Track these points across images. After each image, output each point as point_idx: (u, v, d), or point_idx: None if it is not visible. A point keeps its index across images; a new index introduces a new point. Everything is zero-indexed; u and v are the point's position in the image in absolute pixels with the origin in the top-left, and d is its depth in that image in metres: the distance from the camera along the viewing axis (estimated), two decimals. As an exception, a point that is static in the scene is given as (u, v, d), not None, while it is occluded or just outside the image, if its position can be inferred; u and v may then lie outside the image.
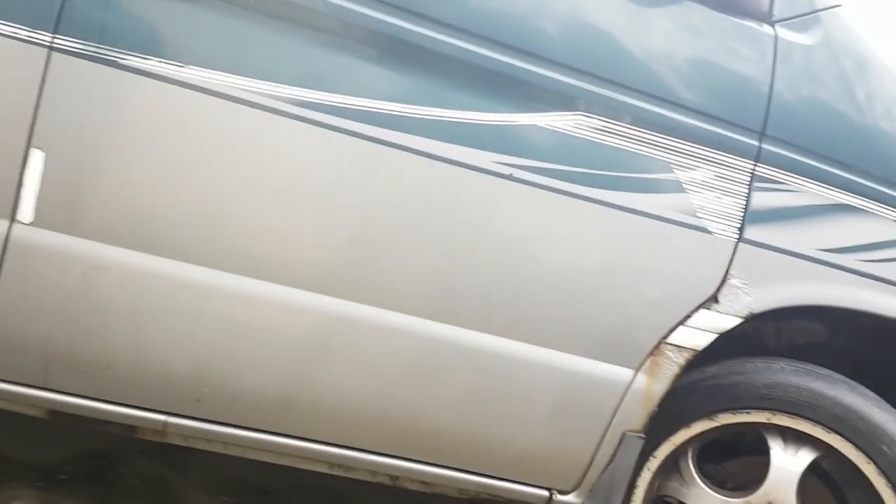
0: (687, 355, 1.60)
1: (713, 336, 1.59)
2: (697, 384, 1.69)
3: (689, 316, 1.58)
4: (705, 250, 1.57)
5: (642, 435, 1.62)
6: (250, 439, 1.51)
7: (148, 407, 1.46)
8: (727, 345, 1.68)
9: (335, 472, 1.58)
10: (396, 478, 1.63)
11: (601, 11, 1.51)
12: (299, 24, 1.39)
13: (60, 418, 1.48)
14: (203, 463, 2.05)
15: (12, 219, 1.32)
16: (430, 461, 1.58)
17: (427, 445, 1.57)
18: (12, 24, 1.26)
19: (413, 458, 1.57)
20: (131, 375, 1.43)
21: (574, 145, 1.50)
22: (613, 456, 1.61)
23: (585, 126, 1.50)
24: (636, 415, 1.61)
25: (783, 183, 1.57)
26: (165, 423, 1.47)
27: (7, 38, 1.26)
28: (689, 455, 1.72)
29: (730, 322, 1.59)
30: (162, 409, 1.47)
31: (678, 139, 1.54)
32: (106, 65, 1.31)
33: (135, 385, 1.45)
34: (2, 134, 1.29)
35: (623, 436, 1.61)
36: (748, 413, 1.65)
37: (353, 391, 1.51)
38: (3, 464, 1.86)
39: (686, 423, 1.69)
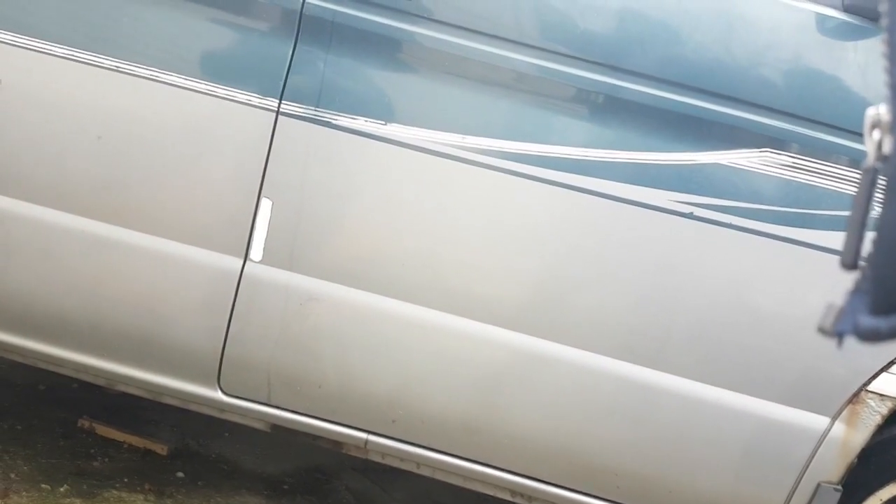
0: (890, 404, 1.50)
1: (920, 385, 1.49)
2: (908, 437, 1.57)
3: (893, 362, 1.49)
4: (911, 293, 1.47)
5: (839, 487, 1.53)
6: (439, 461, 1.63)
7: (352, 425, 1.63)
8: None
9: (517, 500, 1.66)
10: (578, 510, 1.66)
11: (790, 47, 1.49)
12: (486, 83, 1.51)
13: (280, 432, 1.69)
14: (408, 484, 2.20)
15: (245, 257, 1.56)
16: (609, 498, 1.60)
17: (606, 482, 1.59)
18: (247, 93, 1.50)
19: (592, 493, 1.60)
20: (338, 395, 1.61)
21: (760, 182, 1.49)
22: (807, 507, 1.55)
23: (773, 163, 1.49)
24: (832, 465, 1.53)
25: None
26: (366, 441, 1.63)
27: (243, 105, 1.50)
28: (900, 513, 1.60)
29: (940, 370, 1.48)
30: (363, 428, 1.63)
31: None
32: (322, 125, 1.51)
33: (341, 404, 1.62)
34: (238, 186, 1.53)
35: (818, 486, 1.54)
36: (965, 471, 1.51)
37: (534, 423, 1.58)
38: (237, 473, 2.13)
39: (895, 477, 1.57)
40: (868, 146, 0.61)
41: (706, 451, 1.57)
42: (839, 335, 0.58)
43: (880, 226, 0.56)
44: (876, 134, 0.60)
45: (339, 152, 1.52)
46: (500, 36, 1.49)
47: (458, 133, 1.50)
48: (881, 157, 0.59)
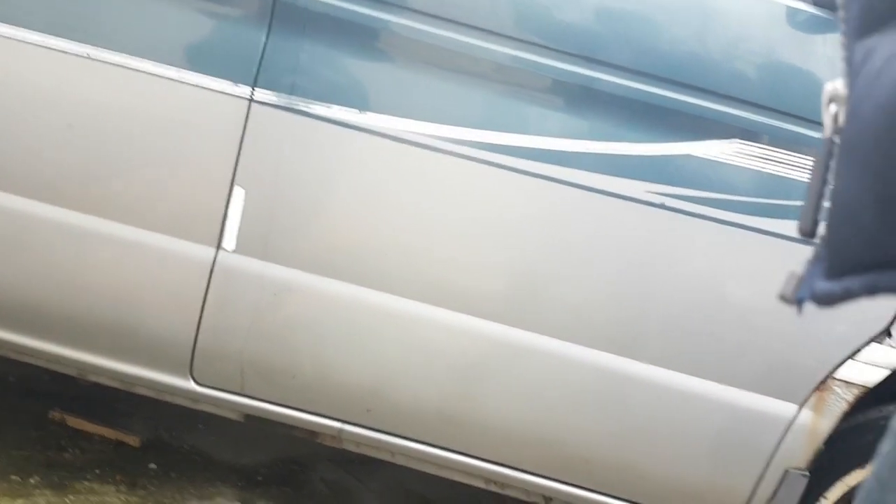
0: (856, 391, 1.53)
1: (885, 372, 1.51)
2: (874, 423, 1.60)
3: (858, 350, 1.52)
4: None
5: (806, 473, 1.56)
6: (413, 449, 1.63)
7: (326, 414, 1.63)
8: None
9: (491, 487, 1.67)
10: (550, 499, 1.68)
11: (761, 40, 1.51)
12: (462, 73, 1.51)
13: (254, 422, 1.69)
14: (383, 474, 2.20)
15: (218, 246, 1.54)
16: (582, 485, 1.62)
17: (579, 469, 1.61)
18: (220, 80, 1.49)
19: (565, 480, 1.62)
20: (313, 385, 1.61)
21: (730, 173, 1.50)
22: (775, 493, 1.57)
23: (743, 153, 1.50)
24: (800, 452, 1.56)
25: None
26: (341, 430, 1.63)
27: (215, 93, 1.49)
28: (865, 499, 1.62)
29: (905, 358, 1.50)
30: (338, 417, 1.63)
31: (846, 167, 1.49)
32: (295, 113, 1.50)
33: (316, 394, 1.62)
34: (211, 174, 1.52)
35: (785, 473, 1.56)
36: (929, 456, 1.54)
37: (509, 412, 1.59)
38: (210, 464, 2.11)
39: (860, 463, 1.60)
40: (825, 119, 0.63)
41: (678, 438, 1.58)
42: (799, 302, 0.60)
43: (833, 192, 0.58)
44: (833, 107, 0.62)
45: (313, 141, 1.51)
46: (477, 26, 1.49)
47: (433, 122, 1.50)
48: (837, 130, 0.62)
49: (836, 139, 0.61)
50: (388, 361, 1.60)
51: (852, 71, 0.58)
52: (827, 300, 0.58)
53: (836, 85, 0.62)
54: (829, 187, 0.60)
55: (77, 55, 1.49)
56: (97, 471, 1.93)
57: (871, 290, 0.55)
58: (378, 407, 1.60)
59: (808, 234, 0.63)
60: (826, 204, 0.60)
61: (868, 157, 0.54)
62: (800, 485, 1.55)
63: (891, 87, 0.53)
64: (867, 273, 0.55)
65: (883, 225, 0.53)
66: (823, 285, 0.58)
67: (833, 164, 0.60)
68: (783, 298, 0.61)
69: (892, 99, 0.52)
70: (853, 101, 0.57)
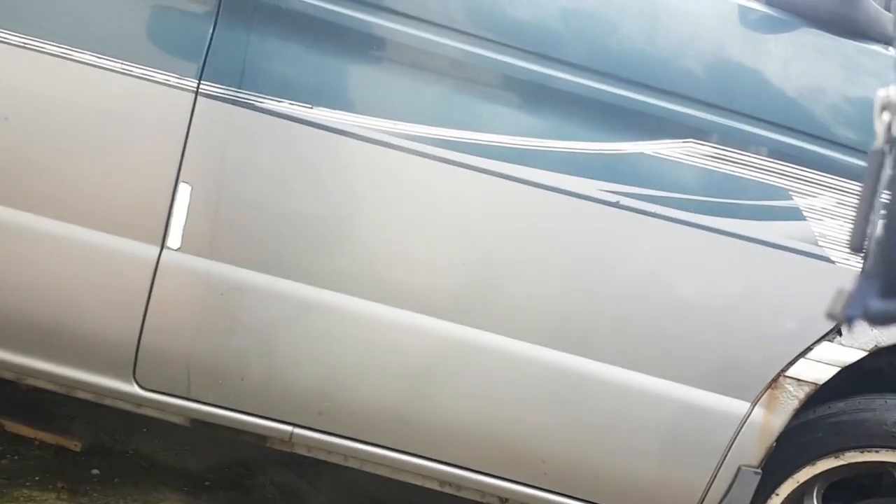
0: (808, 389, 1.54)
1: (835, 370, 1.53)
2: (823, 420, 1.62)
3: (809, 348, 1.53)
4: (827, 280, 1.51)
5: (759, 470, 1.57)
6: (367, 452, 1.60)
7: (276, 418, 1.59)
8: (861, 380, 1.61)
9: (446, 489, 1.64)
10: (506, 500, 1.66)
11: (714, 39, 1.51)
12: (416, 68, 1.48)
13: (200, 427, 1.64)
14: (334, 476, 2.17)
15: (162, 245, 1.49)
16: (537, 485, 1.61)
17: (534, 469, 1.60)
18: (165, 72, 1.44)
19: (520, 480, 1.60)
20: (262, 387, 1.56)
21: (684, 172, 1.50)
22: (728, 491, 1.58)
23: (696, 153, 1.50)
24: (752, 449, 1.57)
25: (911, 210, 1.50)
26: (291, 434, 1.59)
27: (160, 85, 1.44)
28: (815, 494, 1.65)
29: (854, 355, 1.52)
30: (288, 421, 1.59)
31: (797, 165, 1.50)
32: (244, 107, 1.45)
33: (265, 396, 1.57)
34: (155, 170, 1.47)
35: (738, 470, 1.57)
36: (877, 452, 1.56)
37: (463, 412, 1.57)
38: (155, 469, 2.05)
39: (810, 460, 1.62)
40: (878, 128, 0.60)
41: (631, 436, 1.58)
42: (849, 320, 0.57)
43: (890, 205, 0.55)
44: (886, 116, 0.59)
45: (262, 136, 1.47)
46: (431, 21, 1.46)
47: (387, 119, 1.47)
48: (890, 140, 0.59)
49: (889, 149, 0.58)
50: (340, 361, 1.56)
51: None
52: (883, 320, 0.56)
53: (889, 92, 0.59)
54: (882, 200, 0.57)
55: (13, 45, 1.43)
56: (37, 477, 1.87)
57: None
58: (330, 409, 1.57)
59: (856, 249, 0.60)
60: (878, 218, 0.57)
61: None
62: (752, 482, 1.56)
63: None
64: None
65: None
66: (878, 305, 0.56)
67: (886, 174, 0.57)
68: (831, 316, 0.58)
69: None
70: None
